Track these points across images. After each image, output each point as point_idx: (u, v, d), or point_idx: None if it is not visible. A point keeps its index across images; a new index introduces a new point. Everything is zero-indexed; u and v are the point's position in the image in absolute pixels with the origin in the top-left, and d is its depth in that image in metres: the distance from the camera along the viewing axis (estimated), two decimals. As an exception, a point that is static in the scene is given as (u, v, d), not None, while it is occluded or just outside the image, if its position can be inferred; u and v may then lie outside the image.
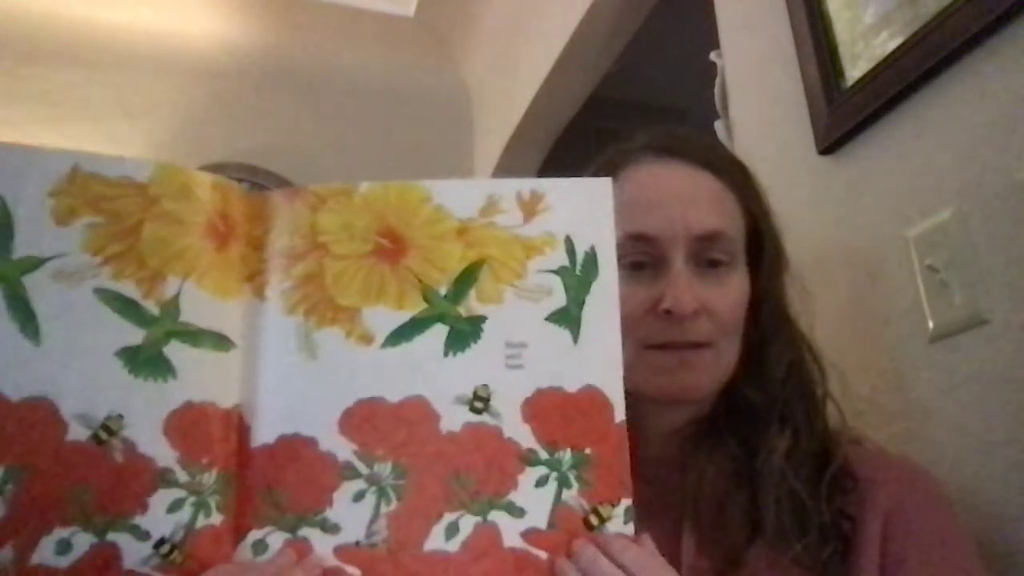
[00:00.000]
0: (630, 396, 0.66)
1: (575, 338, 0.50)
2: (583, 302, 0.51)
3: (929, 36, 0.81)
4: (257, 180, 2.55)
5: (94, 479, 0.42)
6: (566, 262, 0.51)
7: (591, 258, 0.51)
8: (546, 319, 0.50)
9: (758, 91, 1.16)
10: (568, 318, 0.50)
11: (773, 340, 0.67)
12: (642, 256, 0.64)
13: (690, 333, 0.62)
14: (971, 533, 0.62)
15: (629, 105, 2.71)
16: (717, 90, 1.29)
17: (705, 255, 0.64)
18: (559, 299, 0.51)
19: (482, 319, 0.49)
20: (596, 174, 0.70)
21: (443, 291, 0.49)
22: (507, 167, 2.51)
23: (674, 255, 0.63)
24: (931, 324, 0.79)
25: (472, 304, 0.49)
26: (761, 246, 0.69)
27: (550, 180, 0.52)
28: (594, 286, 0.51)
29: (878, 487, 0.61)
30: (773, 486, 0.60)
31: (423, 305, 0.49)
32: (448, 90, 2.84)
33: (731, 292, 0.65)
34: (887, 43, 0.88)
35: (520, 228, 0.51)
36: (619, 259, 0.64)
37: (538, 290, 0.50)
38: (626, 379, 0.65)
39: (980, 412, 0.74)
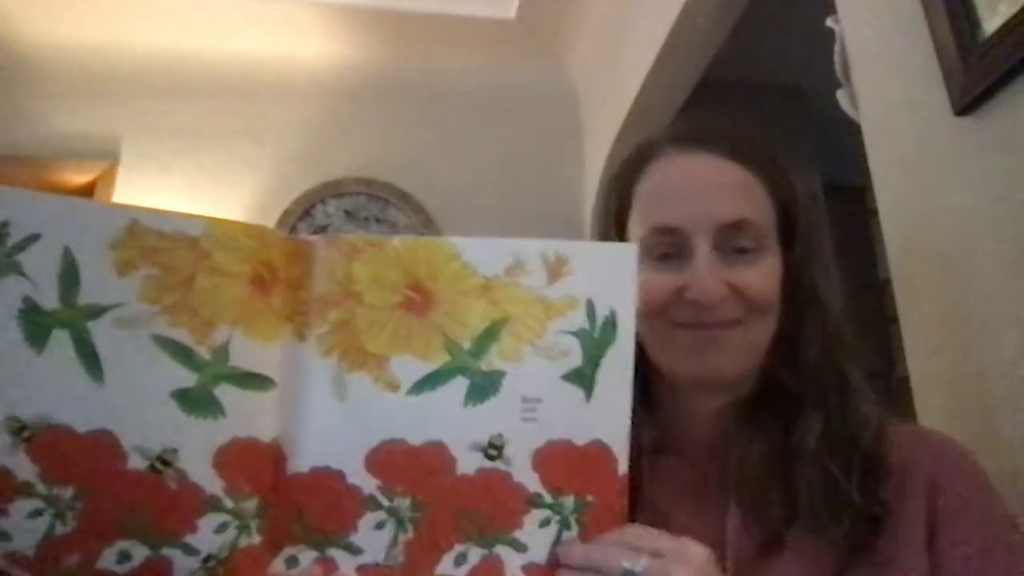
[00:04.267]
0: (668, 382, 0.69)
1: (588, 396, 0.53)
2: (598, 364, 0.53)
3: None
4: (375, 192, 2.63)
5: (151, 503, 0.47)
6: (586, 325, 0.53)
7: (610, 322, 0.53)
8: (562, 377, 0.53)
9: (883, 53, 1.06)
10: (582, 378, 0.53)
11: (805, 324, 0.67)
12: (668, 247, 0.65)
13: (719, 314, 0.63)
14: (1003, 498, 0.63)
15: (743, 85, 2.61)
16: (837, 58, 1.20)
17: (731, 243, 0.65)
18: (575, 359, 0.53)
19: (501, 374, 0.52)
20: (624, 171, 0.73)
21: (466, 345, 0.52)
22: (617, 160, 2.47)
23: (699, 244, 0.65)
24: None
25: (493, 359, 0.52)
26: (794, 231, 0.68)
27: (576, 243, 0.54)
28: (610, 349, 0.53)
29: (913, 471, 0.62)
30: (807, 468, 0.61)
31: (447, 357, 0.52)
32: (555, 88, 2.83)
33: (760, 274, 0.65)
34: (1033, -18, 0.78)
35: (543, 289, 0.53)
36: (647, 251, 0.66)
37: (555, 350, 0.53)
38: (659, 360, 0.68)
39: None
